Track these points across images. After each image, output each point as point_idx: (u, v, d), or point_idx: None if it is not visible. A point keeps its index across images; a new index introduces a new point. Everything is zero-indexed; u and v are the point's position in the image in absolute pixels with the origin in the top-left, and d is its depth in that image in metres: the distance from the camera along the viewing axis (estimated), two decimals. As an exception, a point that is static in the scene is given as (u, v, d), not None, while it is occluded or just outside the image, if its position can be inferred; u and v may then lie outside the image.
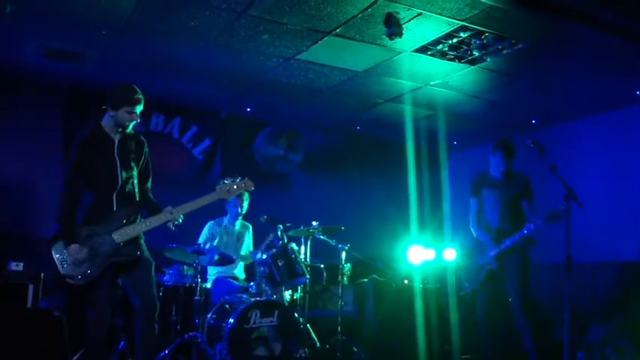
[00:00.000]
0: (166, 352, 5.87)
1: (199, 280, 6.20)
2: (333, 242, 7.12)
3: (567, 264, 5.12)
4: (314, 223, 7.00)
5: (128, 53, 6.81)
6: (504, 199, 6.03)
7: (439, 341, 7.19)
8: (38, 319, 4.79)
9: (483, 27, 5.89)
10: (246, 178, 5.00)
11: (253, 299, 6.00)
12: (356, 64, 6.95)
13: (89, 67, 7.22)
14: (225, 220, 7.24)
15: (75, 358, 5.36)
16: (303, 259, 6.81)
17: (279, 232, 6.61)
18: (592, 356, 6.24)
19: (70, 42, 6.57)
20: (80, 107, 7.94)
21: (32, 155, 7.77)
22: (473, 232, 6.24)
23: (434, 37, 6.16)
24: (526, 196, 6.05)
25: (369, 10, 5.59)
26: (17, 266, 6.30)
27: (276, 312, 5.96)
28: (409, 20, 5.77)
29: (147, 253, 4.75)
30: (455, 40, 6.22)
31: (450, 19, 5.75)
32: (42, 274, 6.19)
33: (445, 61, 6.74)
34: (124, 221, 4.59)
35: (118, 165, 4.65)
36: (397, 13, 5.63)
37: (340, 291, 7.16)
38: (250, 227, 7.40)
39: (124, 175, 4.67)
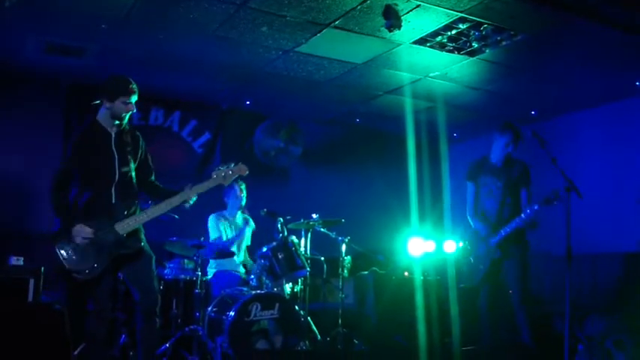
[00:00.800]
0: (167, 345, 5.88)
1: (200, 273, 6.21)
2: (333, 235, 7.13)
3: (568, 256, 5.12)
4: (314, 216, 7.00)
5: (128, 47, 6.80)
6: (504, 186, 5.94)
7: (439, 333, 7.19)
8: (39, 314, 4.79)
9: (482, 18, 5.87)
10: (240, 163, 5.00)
11: (254, 292, 6.01)
12: (355, 56, 6.94)
13: (89, 62, 7.21)
14: (226, 213, 7.24)
15: (76, 351, 5.37)
16: (303, 252, 6.81)
17: (279, 225, 6.62)
18: (592, 349, 6.24)
19: (69, 37, 6.55)
20: (80, 102, 7.92)
21: (32, 150, 7.76)
22: (470, 221, 6.16)
23: (433, 29, 6.15)
24: (525, 184, 5.96)
25: (368, 2, 5.58)
26: (18, 261, 6.30)
27: (277, 305, 5.97)
28: (408, 12, 5.76)
29: (147, 247, 4.76)
30: (454, 32, 6.21)
31: (448, 11, 5.74)
32: (42, 269, 6.19)
33: (444, 52, 6.73)
34: (125, 213, 4.59)
35: (116, 158, 4.65)
36: (396, 4, 5.62)
37: (341, 283, 7.16)
38: (251, 220, 7.40)
39: (122, 168, 4.67)
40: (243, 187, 7.13)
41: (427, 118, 9.27)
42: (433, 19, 5.93)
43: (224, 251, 6.52)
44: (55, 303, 5.82)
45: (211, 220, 7.16)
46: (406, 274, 8.03)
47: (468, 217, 6.19)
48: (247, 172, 5.04)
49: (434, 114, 9.06)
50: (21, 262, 6.32)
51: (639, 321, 6.26)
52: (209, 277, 6.87)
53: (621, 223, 7.90)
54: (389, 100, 8.51)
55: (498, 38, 6.28)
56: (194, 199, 4.76)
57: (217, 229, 7.09)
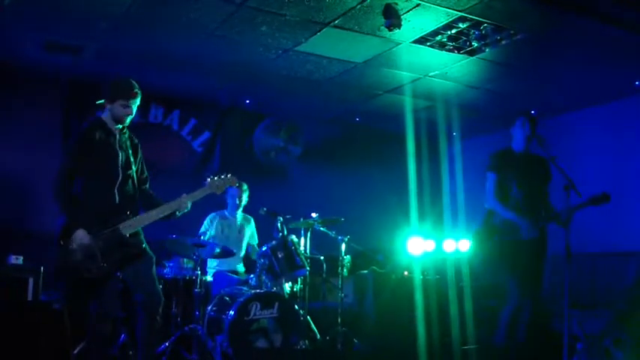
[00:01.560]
0: (167, 344, 5.88)
1: (199, 272, 6.21)
2: (332, 234, 7.12)
3: (567, 254, 5.11)
4: (313, 215, 7.00)
5: (127, 46, 6.80)
6: (532, 177, 5.67)
7: (439, 332, 7.19)
8: (39, 313, 4.79)
9: (482, 18, 5.88)
10: (229, 175, 5.12)
11: (253, 291, 6.01)
12: (355, 55, 6.94)
13: (88, 60, 7.21)
14: (226, 212, 7.24)
15: (76, 351, 5.37)
16: (302, 251, 6.81)
17: (278, 224, 6.62)
18: (591, 348, 6.24)
19: (68, 35, 6.56)
20: (79, 100, 7.93)
21: (31, 148, 7.76)
22: (500, 210, 5.65)
23: (433, 28, 6.15)
24: (549, 178, 5.74)
25: (368, 1, 5.58)
26: (17, 260, 6.31)
27: (276, 304, 5.97)
28: (408, 11, 5.76)
29: (148, 248, 4.76)
30: (454, 31, 6.22)
31: (448, 10, 5.74)
32: (42, 268, 6.19)
33: (444, 52, 6.73)
34: (128, 213, 4.60)
35: (119, 159, 4.65)
36: (396, 4, 5.62)
37: (340, 283, 7.16)
38: (252, 219, 7.40)
39: (125, 169, 4.67)
40: (245, 187, 7.13)
41: (427, 117, 9.27)
42: (433, 19, 5.93)
43: (224, 250, 6.52)
44: (54, 302, 5.82)
45: (209, 217, 7.16)
46: (406, 273, 8.03)
47: (492, 208, 5.71)
48: (237, 184, 5.16)
49: (434, 113, 9.06)
50: (20, 261, 6.32)
51: (638, 320, 6.26)
52: (208, 276, 6.87)
53: (620, 222, 7.90)
54: (389, 99, 8.51)
55: (498, 37, 6.28)
56: (188, 208, 4.80)
57: (207, 225, 7.09)
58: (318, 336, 6.89)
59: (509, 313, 5.58)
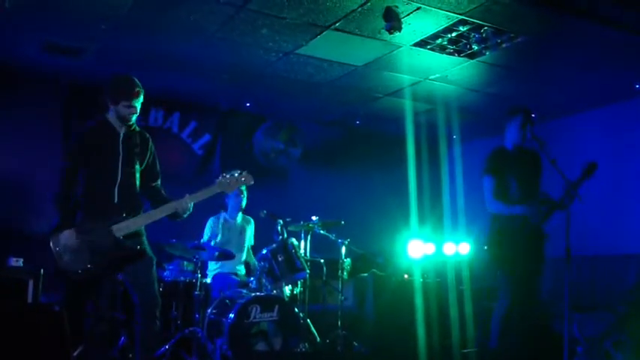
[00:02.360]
0: (167, 347, 5.88)
1: (199, 275, 6.21)
2: (332, 237, 7.13)
3: (567, 257, 5.11)
4: (314, 218, 7.00)
5: (127, 48, 6.80)
6: (529, 172, 5.66)
7: (439, 335, 7.19)
8: (39, 315, 4.79)
9: (482, 21, 5.88)
10: (245, 172, 4.92)
11: (253, 294, 6.01)
12: (355, 58, 6.94)
13: (88, 62, 7.21)
14: (226, 214, 7.23)
15: (75, 353, 5.36)
16: (302, 254, 6.82)
17: (278, 227, 6.62)
18: (591, 350, 6.24)
19: (69, 37, 6.56)
20: (79, 102, 7.94)
21: (31, 150, 7.76)
22: (503, 208, 5.57)
23: (433, 31, 6.16)
24: (541, 169, 5.71)
25: (368, 4, 5.59)
26: (17, 262, 6.30)
27: (276, 307, 5.97)
28: (408, 14, 5.76)
29: (149, 249, 4.73)
30: (454, 34, 6.22)
31: (449, 13, 5.75)
32: (42, 270, 6.19)
33: (444, 55, 6.74)
34: (124, 214, 4.57)
35: (121, 158, 4.64)
36: (396, 7, 5.62)
37: (340, 285, 7.17)
38: (252, 221, 7.39)
39: (126, 169, 4.65)
40: (243, 188, 7.11)
41: (427, 120, 9.27)
42: (433, 22, 5.94)
43: (224, 253, 6.52)
44: (54, 304, 5.81)
45: (209, 222, 7.16)
46: (406, 276, 8.03)
47: (495, 211, 5.64)
48: (252, 182, 4.97)
49: (434, 116, 9.07)
50: (20, 263, 6.31)
51: (638, 322, 6.26)
52: (209, 279, 6.87)
53: (620, 225, 7.91)
54: (389, 103, 8.52)
55: (498, 41, 6.28)
56: (189, 211, 4.73)
57: (208, 232, 7.08)
58: (318, 339, 6.89)
59: (499, 315, 5.54)
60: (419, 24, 5.99)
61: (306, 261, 6.72)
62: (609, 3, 5.52)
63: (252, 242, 7.37)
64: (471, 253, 8.37)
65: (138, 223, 4.59)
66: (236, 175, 4.86)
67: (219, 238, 7.03)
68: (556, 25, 5.93)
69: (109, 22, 6.13)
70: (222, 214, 7.23)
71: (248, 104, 8.88)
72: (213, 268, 7.08)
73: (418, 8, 5.66)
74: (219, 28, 6.15)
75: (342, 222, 7.13)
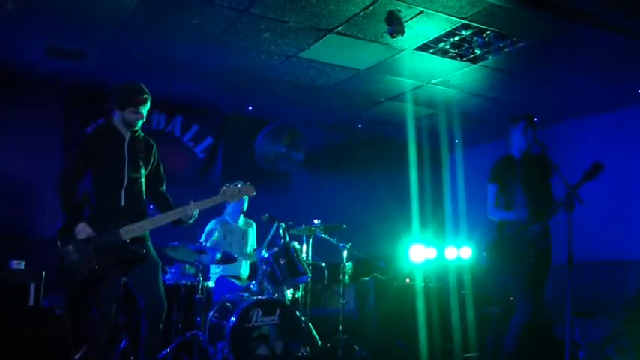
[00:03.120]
0: (168, 350, 5.88)
1: (201, 278, 6.21)
2: (334, 241, 7.13)
3: (569, 263, 5.10)
4: (315, 222, 7.00)
5: (129, 51, 6.81)
6: (534, 179, 5.63)
7: (441, 340, 7.19)
8: (40, 318, 4.79)
9: (485, 25, 5.88)
10: (248, 184, 5.07)
11: (255, 298, 6.01)
12: (358, 62, 6.95)
13: (90, 66, 7.22)
14: (228, 218, 7.24)
15: (77, 356, 5.37)
16: (304, 258, 6.81)
17: (280, 231, 6.62)
18: (593, 355, 6.23)
19: (71, 40, 6.57)
20: (81, 106, 7.94)
21: (33, 154, 7.76)
22: (502, 215, 5.64)
23: (435, 36, 6.16)
24: (550, 173, 5.63)
25: (371, 8, 5.59)
26: (19, 265, 6.30)
27: (278, 310, 5.97)
28: (411, 18, 5.77)
29: (154, 253, 4.75)
30: (456, 39, 6.22)
31: (451, 17, 5.75)
32: (43, 273, 6.19)
33: (447, 59, 6.74)
34: (131, 218, 4.59)
35: (126, 162, 4.66)
36: (399, 11, 5.63)
37: (342, 289, 7.16)
38: (254, 224, 7.40)
39: (132, 173, 4.68)
40: (245, 194, 7.12)
41: (429, 125, 9.27)
42: (436, 26, 5.94)
43: (226, 256, 6.51)
44: (55, 307, 5.82)
45: (210, 225, 7.15)
46: (407, 280, 8.03)
47: (496, 218, 5.70)
48: (255, 194, 5.07)
49: (436, 120, 9.06)
50: (22, 266, 6.31)
51: (639, 328, 6.25)
52: (210, 282, 6.86)
53: (622, 231, 7.90)
54: (391, 107, 8.52)
55: (501, 45, 6.28)
56: (194, 217, 4.77)
57: (209, 234, 7.07)
58: (320, 343, 6.88)
59: (519, 322, 5.51)
60: (421, 28, 5.99)
61: (308, 264, 6.71)
62: (611, 8, 5.52)
63: (255, 246, 7.37)
64: (472, 257, 8.36)
65: (144, 227, 4.62)
66: (239, 186, 4.98)
67: (215, 238, 7.02)
68: (558, 30, 5.93)
69: (111, 26, 6.13)
70: (224, 218, 7.23)
71: (250, 108, 8.89)
72: (215, 271, 7.08)
73: (421, 12, 5.66)
74: (221, 31, 6.16)
75: (344, 226, 7.13)
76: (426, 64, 6.92)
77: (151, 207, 5.14)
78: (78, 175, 4.62)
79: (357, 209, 9.16)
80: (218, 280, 6.87)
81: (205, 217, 7.02)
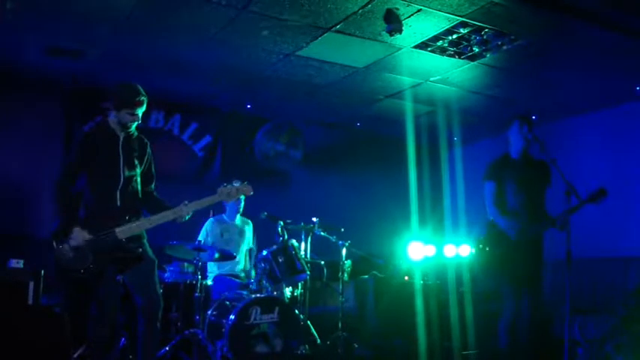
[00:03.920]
0: (167, 348, 5.89)
1: (200, 276, 6.21)
2: (333, 239, 7.13)
3: (568, 259, 5.11)
4: (314, 220, 7.00)
5: (129, 50, 6.80)
6: (531, 182, 5.63)
7: (439, 337, 7.19)
8: (40, 316, 4.80)
9: (483, 23, 5.88)
10: (245, 183, 5.01)
11: (254, 296, 6.01)
12: (356, 60, 6.94)
13: (90, 65, 7.21)
14: (225, 216, 7.24)
15: (76, 354, 5.37)
16: (303, 256, 6.82)
17: (279, 229, 6.62)
18: (592, 353, 6.23)
19: (70, 39, 6.56)
20: (81, 105, 7.94)
21: (33, 153, 7.76)
22: (497, 220, 5.64)
23: (434, 34, 6.16)
24: (548, 182, 5.69)
25: (369, 6, 5.59)
26: (17, 264, 6.29)
27: (277, 308, 5.97)
28: (409, 16, 5.76)
29: (150, 252, 4.76)
30: (455, 36, 6.22)
31: (449, 15, 5.75)
32: (42, 272, 6.18)
33: (445, 57, 6.74)
34: (127, 217, 4.59)
35: (122, 161, 4.67)
36: (397, 9, 5.63)
37: (341, 287, 7.17)
38: (251, 223, 7.40)
39: (127, 172, 4.68)
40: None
41: (428, 122, 9.28)
42: (434, 24, 5.94)
43: (224, 254, 6.52)
44: (55, 306, 5.82)
45: (207, 223, 7.16)
46: (406, 278, 8.03)
47: (492, 217, 5.72)
48: (252, 193, 5.04)
49: (434, 118, 9.06)
50: (21, 265, 6.30)
51: (639, 325, 6.26)
52: (209, 280, 6.87)
53: (621, 227, 7.90)
54: (389, 104, 8.52)
55: (499, 43, 6.29)
56: (188, 216, 4.76)
57: (204, 234, 7.08)
58: (319, 341, 6.89)
59: (507, 321, 5.55)
60: (420, 26, 5.99)
61: (307, 262, 6.72)
62: (610, 6, 5.52)
63: (252, 245, 7.37)
64: (471, 255, 8.36)
65: (140, 226, 4.62)
66: (236, 185, 4.94)
67: (217, 239, 7.02)
68: (556, 28, 5.93)
69: (110, 25, 6.13)
70: (221, 216, 7.23)
71: (249, 106, 8.89)
72: (213, 269, 7.08)
73: (419, 10, 5.66)
74: (220, 30, 6.16)
75: (342, 229, 7.16)
76: (425, 62, 6.92)
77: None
78: (76, 175, 4.63)
79: (356, 207, 9.17)
80: (216, 279, 6.87)
81: (204, 214, 7.06)
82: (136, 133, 4.83)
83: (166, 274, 6.69)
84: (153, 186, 4.97)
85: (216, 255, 6.45)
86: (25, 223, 7.63)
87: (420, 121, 9.24)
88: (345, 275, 7.25)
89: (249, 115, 9.21)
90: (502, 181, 5.69)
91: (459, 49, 6.52)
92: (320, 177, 9.64)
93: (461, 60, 6.82)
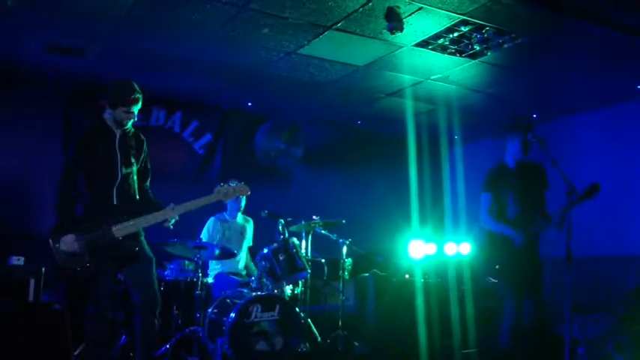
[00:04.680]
0: (167, 346, 5.89)
1: (200, 274, 6.21)
2: (334, 237, 7.13)
3: (568, 258, 5.11)
4: (315, 218, 7.00)
5: (129, 47, 6.80)
6: (528, 189, 5.68)
7: (440, 336, 7.19)
8: (40, 314, 4.80)
9: (484, 21, 5.88)
10: (242, 183, 5.05)
11: (254, 294, 6.01)
12: (357, 58, 6.94)
13: (90, 63, 7.21)
14: (226, 215, 7.24)
15: (76, 352, 5.38)
16: (304, 254, 6.82)
17: (280, 227, 6.62)
18: (593, 352, 6.23)
19: (70, 37, 6.56)
20: (81, 102, 7.93)
21: (33, 150, 7.76)
22: (496, 228, 5.70)
23: (435, 32, 6.15)
24: (546, 186, 5.74)
25: (370, 4, 5.58)
26: (18, 261, 6.31)
27: (277, 306, 5.97)
28: (410, 14, 5.76)
29: (147, 249, 4.76)
30: (456, 35, 6.22)
31: (450, 13, 5.74)
32: (43, 269, 6.19)
33: (446, 55, 6.73)
34: (124, 216, 4.59)
35: (119, 159, 4.67)
36: (398, 7, 5.62)
37: (341, 285, 7.17)
38: (251, 221, 7.40)
39: (124, 170, 4.68)
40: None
41: (428, 121, 9.27)
42: (435, 22, 5.94)
43: (225, 251, 6.52)
44: (55, 303, 5.82)
45: (209, 222, 7.16)
46: (407, 276, 8.02)
47: (485, 226, 5.79)
48: (249, 193, 5.12)
49: (435, 116, 9.06)
50: (21, 263, 6.32)
51: (639, 324, 6.26)
52: (210, 278, 6.87)
53: (621, 226, 7.90)
54: (390, 103, 8.52)
55: (500, 41, 6.28)
56: (174, 219, 4.76)
57: (207, 233, 7.08)
58: (319, 339, 6.90)
59: (509, 324, 5.56)
60: (420, 24, 5.98)
61: (307, 261, 6.73)
62: (611, 4, 5.52)
63: (251, 243, 7.37)
64: (472, 253, 8.37)
65: (137, 225, 4.62)
66: (234, 185, 4.96)
67: (218, 237, 7.02)
68: (557, 26, 5.93)
69: (110, 23, 6.12)
70: (223, 214, 7.23)
71: (249, 104, 8.89)
72: (214, 267, 7.09)
73: (420, 8, 5.65)
74: (220, 27, 6.15)
75: (344, 221, 7.14)
76: (425, 60, 6.91)
77: None
78: (76, 176, 4.63)
79: (356, 205, 9.16)
80: (217, 277, 6.88)
81: (205, 212, 7.05)
82: (132, 130, 4.83)
83: (167, 272, 6.69)
84: (148, 183, 4.98)
85: (217, 252, 6.44)
86: (26, 221, 7.63)
87: (421, 120, 9.23)
88: (346, 273, 7.25)
89: (249, 113, 9.21)
90: (500, 192, 5.74)
91: (460, 47, 6.52)
92: (320, 175, 9.63)
93: (462, 58, 6.81)
